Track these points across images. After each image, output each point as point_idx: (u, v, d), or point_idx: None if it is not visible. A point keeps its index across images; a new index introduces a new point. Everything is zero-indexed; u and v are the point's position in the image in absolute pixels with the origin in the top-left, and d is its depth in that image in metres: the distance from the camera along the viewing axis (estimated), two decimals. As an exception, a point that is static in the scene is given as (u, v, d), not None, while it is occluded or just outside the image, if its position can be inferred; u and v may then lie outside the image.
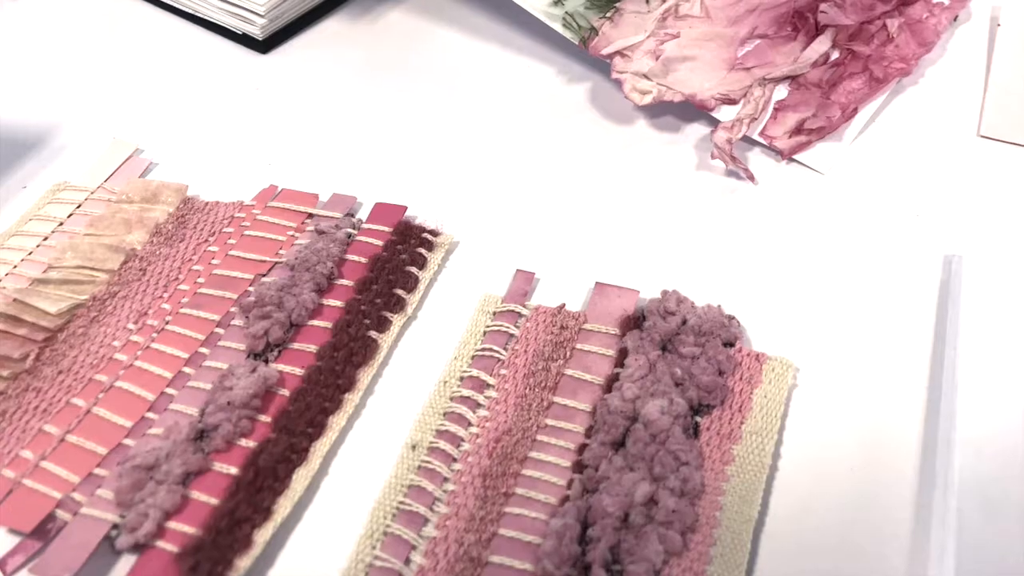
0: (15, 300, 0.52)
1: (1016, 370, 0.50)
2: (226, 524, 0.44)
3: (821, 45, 0.68)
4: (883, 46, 0.68)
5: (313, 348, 0.51)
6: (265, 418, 0.48)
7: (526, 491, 0.45)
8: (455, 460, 0.47)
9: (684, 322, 0.51)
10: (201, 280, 0.55)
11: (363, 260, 0.55)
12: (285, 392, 0.49)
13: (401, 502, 0.45)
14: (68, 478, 0.46)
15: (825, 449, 0.47)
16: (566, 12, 0.68)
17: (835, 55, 0.68)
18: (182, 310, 0.53)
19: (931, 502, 0.44)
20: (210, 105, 0.69)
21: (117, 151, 0.64)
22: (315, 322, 0.52)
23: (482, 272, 0.56)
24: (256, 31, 0.72)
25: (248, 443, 0.47)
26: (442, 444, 0.47)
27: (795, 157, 0.63)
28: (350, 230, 0.57)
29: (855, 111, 0.65)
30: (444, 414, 0.49)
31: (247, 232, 0.57)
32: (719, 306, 0.52)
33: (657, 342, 0.51)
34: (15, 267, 0.55)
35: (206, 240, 0.57)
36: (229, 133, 0.66)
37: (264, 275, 0.55)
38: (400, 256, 0.55)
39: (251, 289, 0.54)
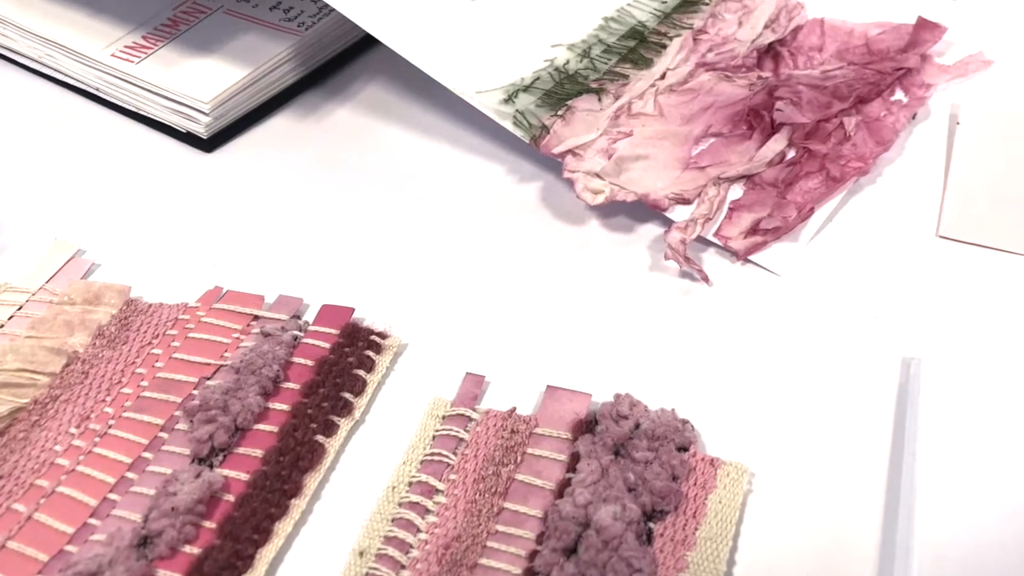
0: (-47, 405, 0.54)
1: (976, 475, 0.52)
2: (170, 631, 0.45)
3: (777, 144, 0.70)
4: (840, 145, 0.70)
5: (259, 452, 0.53)
6: (210, 524, 0.50)
7: (476, 598, 0.46)
8: (404, 567, 0.48)
9: (637, 426, 0.53)
10: (144, 383, 0.57)
11: (310, 363, 0.57)
12: (230, 497, 0.51)
13: (349, 609, 0.46)
14: (8, 586, 0.47)
15: (781, 555, 0.49)
16: (517, 110, 0.71)
17: (791, 154, 0.70)
18: (125, 414, 0.55)
19: (887, 608, 0.45)
20: (154, 205, 0.71)
21: (59, 252, 0.66)
22: (261, 426, 0.54)
23: (431, 375, 0.58)
24: (200, 129, 0.74)
25: (192, 550, 0.49)
26: (390, 551, 0.49)
27: (751, 258, 0.65)
28: (296, 332, 0.59)
29: (812, 211, 0.66)
30: (392, 520, 0.50)
31: (191, 334, 0.59)
32: (673, 410, 0.54)
33: (610, 447, 0.52)
34: (-47, 371, 0.57)
35: (150, 342, 0.59)
36: (173, 233, 0.68)
37: (209, 378, 0.57)
38: (347, 359, 0.57)
39: (196, 392, 0.56)
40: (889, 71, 0.77)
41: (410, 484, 0.52)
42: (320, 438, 0.54)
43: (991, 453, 0.53)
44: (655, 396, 0.56)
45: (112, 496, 0.51)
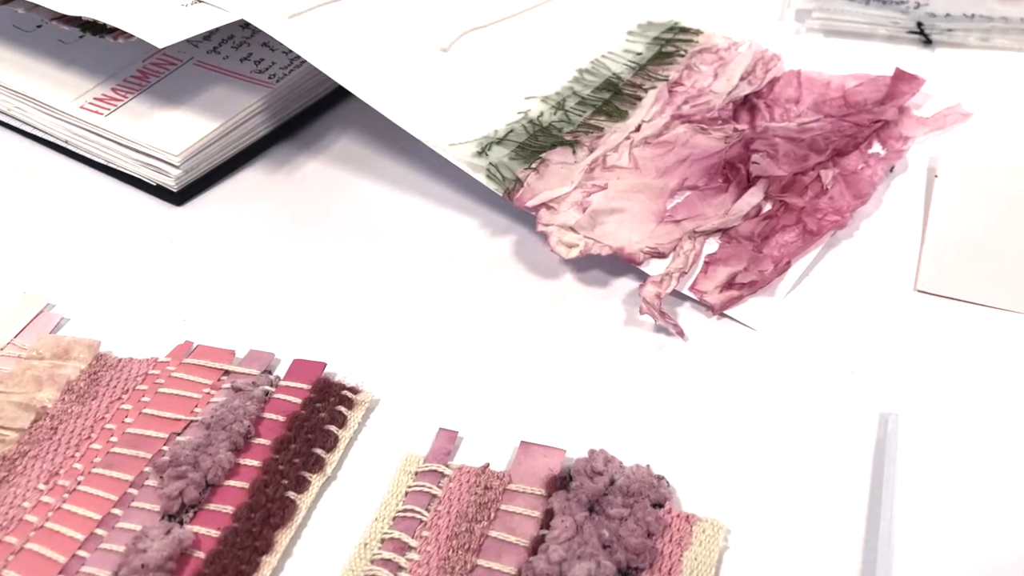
0: (-81, 461, 0.55)
1: (954, 532, 0.53)
2: None
3: (753, 197, 0.71)
4: (817, 198, 0.71)
5: (230, 509, 0.54)
6: (180, 582, 0.50)
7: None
8: (377, 624, 0.49)
9: (612, 482, 0.54)
10: (114, 439, 0.58)
11: (281, 418, 0.58)
12: (201, 555, 0.52)
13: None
14: (-24, 644, 0.48)
15: (757, 612, 0.50)
16: (490, 163, 0.72)
17: (767, 207, 0.71)
18: (94, 470, 0.56)
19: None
20: (123, 258, 0.72)
21: (27, 306, 0.67)
22: (232, 482, 0.55)
23: (403, 430, 0.59)
24: (171, 182, 0.75)
25: (163, 607, 0.49)
26: (363, 608, 0.50)
27: (726, 312, 0.66)
28: (268, 388, 0.60)
29: (788, 265, 0.68)
30: (365, 577, 0.51)
31: (162, 389, 0.60)
32: (648, 466, 0.55)
33: (584, 503, 0.53)
34: (-81, 427, 0.58)
35: (119, 398, 0.60)
36: (143, 287, 0.69)
37: (179, 434, 0.58)
38: (319, 414, 0.58)
39: (166, 448, 0.57)
40: (867, 123, 0.78)
41: (382, 541, 0.53)
42: (291, 494, 0.55)
43: (969, 510, 0.54)
44: (630, 452, 0.57)
45: (81, 553, 0.52)
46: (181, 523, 0.53)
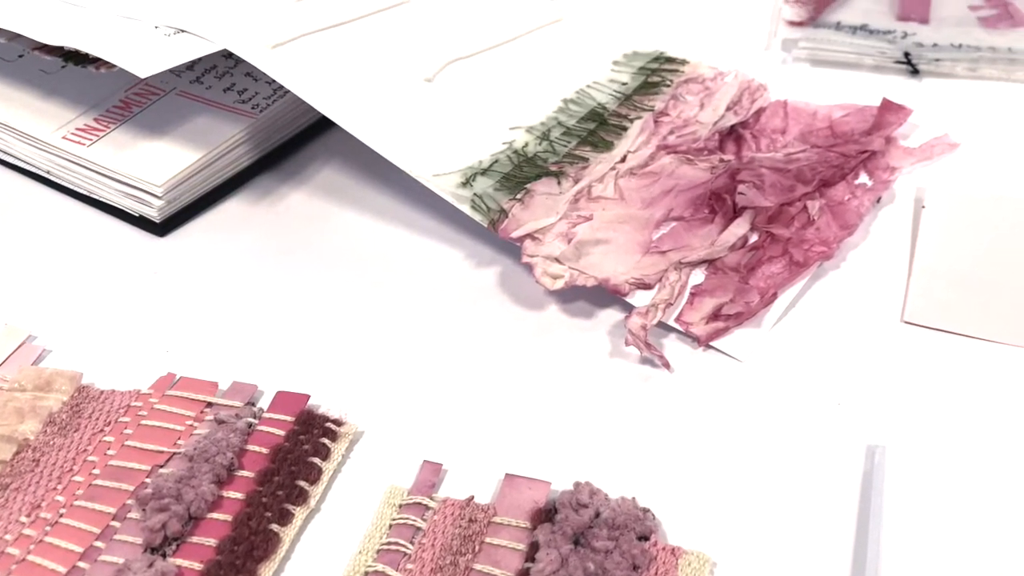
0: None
1: (941, 564, 0.53)
2: None
3: (739, 228, 0.71)
4: (803, 229, 0.72)
5: (213, 542, 0.54)
6: (163, 614, 0.51)
7: None
8: (361, 658, 0.50)
9: (597, 515, 0.55)
10: (96, 471, 0.58)
11: (264, 451, 0.59)
12: (184, 588, 0.52)
13: None
14: None
15: (743, 646, 0.51)
16: (475, 193, 0.72)
17: (754, 238, 0.72)
18: (77, 502, 0.56)
19: None
20: (106, 290, 0.72)
21: (9, 338, 0.67)
22: (215, 515, 0.56)
23: (387, 463, 0.59)
24: (153, 213, 0.76)
25: (145, 640, 0.50)
26: (348, 642, 0.50)
27: (712, 344, 0.66)
28: (251, 419, 0.61)
29: (774, 296, 0.68)
30: (349, 610, 0.51)
31: (144, 422, 0.61)
32: (633, 498, 0.56)
33: (569, 536, 0.54)
34: (-101, 460, 0.58)
35: (102, 430, 0.61)
36: (125, 319, 0.70)
37: (162, 466, 0.58)
38: (303, 446, 0.59)
39: (148, 481, 0.57)
40: (853, 154, 0.79)
41: (366, 574, 0.53)
42: (275, 527, 0.55)
43: (956, 542, 0.55)
44: (615, 484, 0.57)
45: (64, 586, 0.53)
46: (164, 556, 0.54)
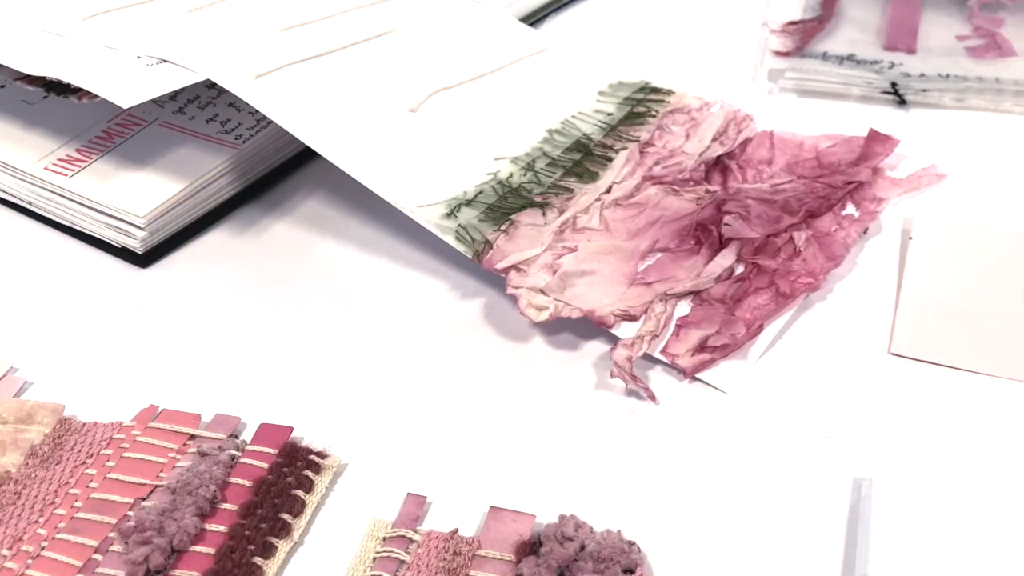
0: None
1: None
2: None
3: (725, 259, 0.72)
4: (790, 260, 0.73)
5: (196, 575, 0.55)
6: (146, 648, 0.51)
7: None
8: None
9: (582, 548, 0.55)
10: (79, 504, 0.58)
11: (247, 483, 0.59)
12: (167, 622, 0.53)
13: None
14: None
15: None
16: (459, 224, 0.73)
17: (740, 269, 0.72)
18: (59, 535, 0.57)
19: None
20: (88, 321, 0.72)
21: (-10, 370, 0.67)
22: (197, 548, 0.56)
23: (371, 495, 0.60)
24: (136, 244, 0.76)
25: (128, 674, 0.50)
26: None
27: (698, 376, 0.67)
28: (234, 452, 0.61)
29: (761, 328, 0.69)
30: (333, 644, 0.52)
31: (126, 454, 0.61)
32: (619, 531, 0.56)
33: (554, 569, 0.54)
34: None
35: (84, 462, 0.61)
36: (108, 351, 0.70)
37: (144, 499, 0.59)
38: (286, 479, 0.59)
39: (131, 513, 0.58)
40: (840, 185, 0.80)
41: (351, 607, 0.54)
42: (258, 560, 0.55)
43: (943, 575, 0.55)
44: (601, 517, 0.58)
45: (46, 620, 0.53)
46: (147, 589, 0.54)
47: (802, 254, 0.73)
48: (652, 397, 0.66)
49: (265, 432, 0.63)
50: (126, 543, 0.56)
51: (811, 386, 0.67)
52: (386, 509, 0.59)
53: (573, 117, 0.87)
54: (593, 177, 0.80)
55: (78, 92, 0.76)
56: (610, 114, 0.88)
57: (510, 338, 0.71)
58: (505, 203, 0.76)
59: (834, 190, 0.79)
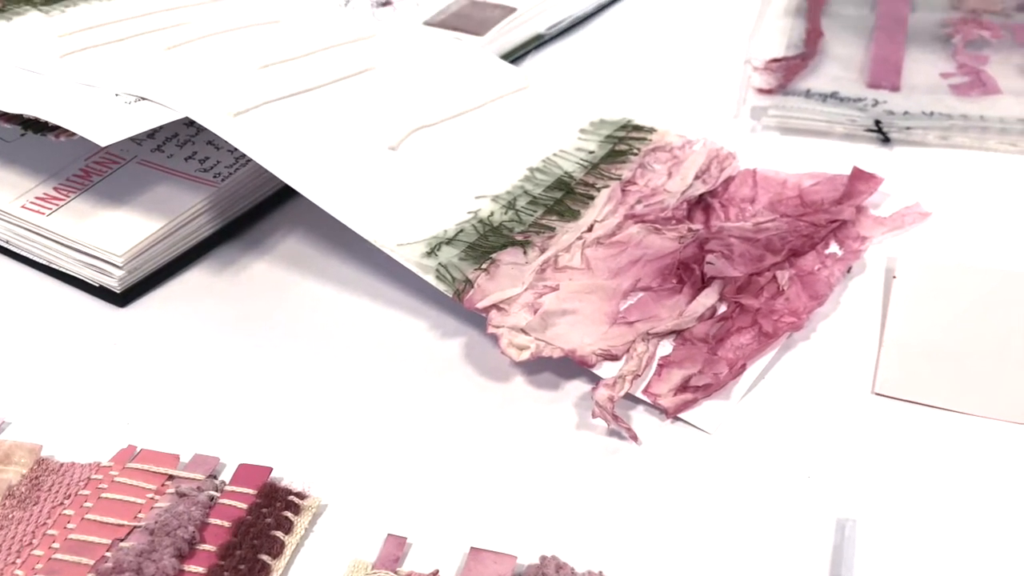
0: None
1: None
2: None
3: (708, 298, 0.73)
4: (773, 299, 0.73)
5: (174, 616, 0.55)
6: None
7: None
8: None
9: None
10: (56, 545, 0.59)
11: (226, 524, 0.60)
12: (144, 663, 0.53)
13: None
14: None
15: None
16: (440, 263, 0.73)
17: (722, 308, 0.73)
18: (36, 576, 0.57)
19: None
20: (66, 361, 0.73)
21: (-34, 410, 0.68)
22: (176, 589, 0.57)
23: (351, 536, 0.60)
24: (113, 283, 0.77)
25: None
26: None
27: (680, 416, 0.67)
28: (213, 492, 0.61)
29: (743, 367, 0.69)
30: None
31: (104, 495, 0.62)
32: (600, 572, 0.57)
33: None
34: None
35: (61, 503, 0.61)
36: (86, 390, 0.70)
37: (123, 540, 0.59)
38: (265, 520, 0.60)
39: (109, 554, 0.58)
40: (823, 223, 0.81)
41: (330, 648, 0.54)
42: (237, 601, 0.56)
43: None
44: (582, 558, 0.58)
45: (23, 661, 0.54)
46: (124, 631, 0.55)
47: (785, 293, 0.74)
48: (634, 437, 0.66)
49: (244, 472, 0.63)
50: (104, 584, 0.56)
51: (794, 426, 0.67)
52: (366, 550, 0.59)
53: (554, 155, 0.88)
54: (575, 215, 0.81)
55: (56, 130, 0.77)
56: (592, 152, 0.89)
57: (491, 378, 0.71)
58: (486, 242, 0.77)
59: (817, 228, 0.80)
